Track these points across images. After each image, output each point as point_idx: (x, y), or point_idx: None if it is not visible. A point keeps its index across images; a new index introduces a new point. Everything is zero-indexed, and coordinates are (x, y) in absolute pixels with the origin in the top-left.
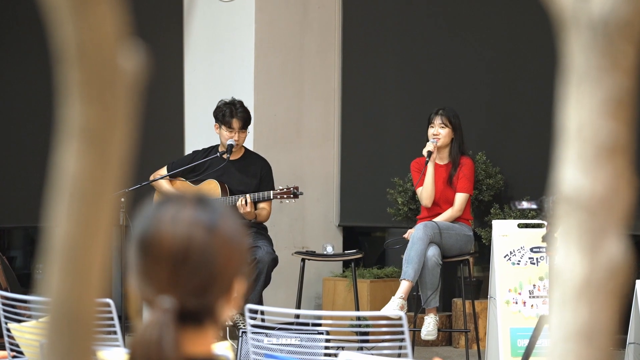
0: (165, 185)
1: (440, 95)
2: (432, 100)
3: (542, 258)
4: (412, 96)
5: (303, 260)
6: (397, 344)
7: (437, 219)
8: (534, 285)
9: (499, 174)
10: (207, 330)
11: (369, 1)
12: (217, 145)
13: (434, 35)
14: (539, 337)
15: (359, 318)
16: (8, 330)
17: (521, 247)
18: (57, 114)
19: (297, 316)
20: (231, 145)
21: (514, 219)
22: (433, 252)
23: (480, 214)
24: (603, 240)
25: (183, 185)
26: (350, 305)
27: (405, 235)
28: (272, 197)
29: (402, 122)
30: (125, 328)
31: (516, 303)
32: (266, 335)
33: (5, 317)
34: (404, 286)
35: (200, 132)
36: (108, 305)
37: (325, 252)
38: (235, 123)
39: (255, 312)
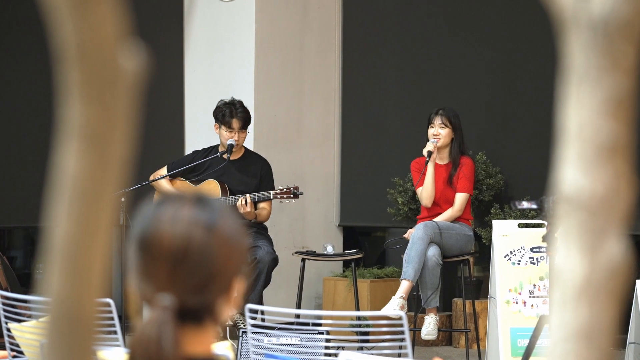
0: (165, 185)
1: (440, 95)
2: (432, 100)
3: (542, 258)
4: (412, 96)
5: (303, 260)
6: (398, 343)
7: (437, 219)
8: (534, 285)
9: (499, 174)
10: (207, 330)
11: (369, 1)
12: (217, 145)
13: (434, 35)
14: (539, 337)
15: (359, 318)
16: (8, 330)
17: (521, 247)
18: (57, 114)
19: (298, 316)
20: (231, 145)
21: (514, 218)
22: (433, 252)
23: (481, 214)
24: (603, 240)
25: (183, 185)
26: (350, 305)
27: (406, 235)
28: (272, 197)
29: (402, 122)
30: (126, 328)
31: (516, 303)
32: (266, 335)
33: (6, 317)
34: (404, 286)
35: (200, 132)
36: (108, 305)
37: (325, 252)
38: (235, 123)
39: (256, 312)
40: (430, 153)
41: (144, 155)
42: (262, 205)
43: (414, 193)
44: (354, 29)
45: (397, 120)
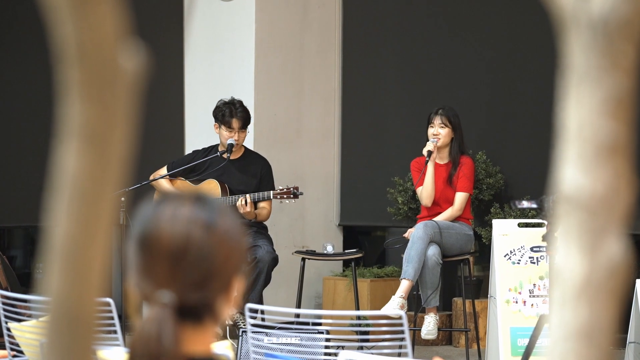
0: (165, 184)
1: (440, 95)
2: (432, 100)
3: (542, 257)
4: (412, 96)
5: (303, 259)
6: (397, 343)
7: (437, 219)
8: (534, 284)
9: (499, 173)
10: (207, 329)
11: (369, 1)
12: (217, 145)
13: (434, 35)
14: (539, 336)
15: (359, 317)
16: (8, 329)
17: (521, 247)
18: (57, 113)
19: (297, 315)
20: (231, 145)
21: (514, 218)
22: (433, 251)
23: (481, 213)
24: (603, 240)
25: (183, 184)
26: (350, 305)
27: (406, 235)
28: (272, 197)
29: (402, 121)
30: (125, 327)
31: (516, 302)
32: (266, 334)
33: (6, 317)
34: (404, 285)
35: (200, 132)
36: (108, 304)
37: (325, 252)
38: (235, 123)
39: (256, 311)
40: (430, 153)
41: (144, 155)
42: (262, 204)
43: (414, 192)
44: (354, 29)
45: (397, 120)
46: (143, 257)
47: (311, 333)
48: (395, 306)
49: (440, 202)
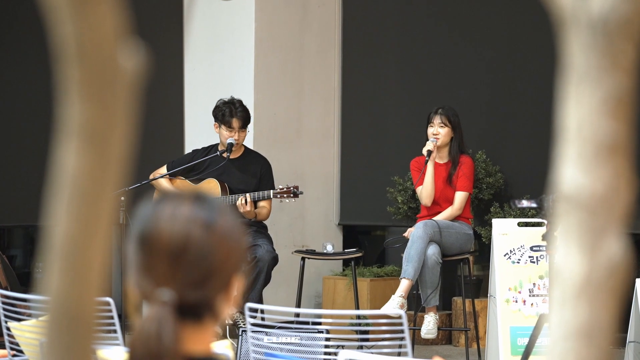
0: (165, 184)
1: (440, 95)
2: (432, 100)
3: (542, 257)
4: (412, 96)
5: (303, 259)
6: (397, 342)
7: (437, 218)
8: (534, 283)
9: (498, 173)
10: (207, 328)
11: (369, 1)
12: (217, 144)
13: (434, 35)
14: (539, 335)
15: (359, 317)
16: (8, 329)
17: (521, 246)
18: (57, 113)
19: (297, 315)
20: (231, 144)
21: (514, 217)
22: (433, 250)
23: (480, 213)
24: (603, 239)
25: (183, 184)
26: (350, 304)
27: (405, 234)
28: (272, 197)
29: (402, 121)
30: (125, 327)
31: (516, 302)
32: (266, 334)
33: (5, 316)
34: (404, 285)
35: (200, 132)
36: (108, 304)
37: (325, 251)
38: (235, 122)
39: (255, 310)
40: (429, 152)
41: (144, 154)
42: (262, 204)
43: (414, 192)
44: (354, 29)
45: (397, 120)
46: (143, 256)
47: (311, 332)
48: (395, 305)
49: (440, 202)
